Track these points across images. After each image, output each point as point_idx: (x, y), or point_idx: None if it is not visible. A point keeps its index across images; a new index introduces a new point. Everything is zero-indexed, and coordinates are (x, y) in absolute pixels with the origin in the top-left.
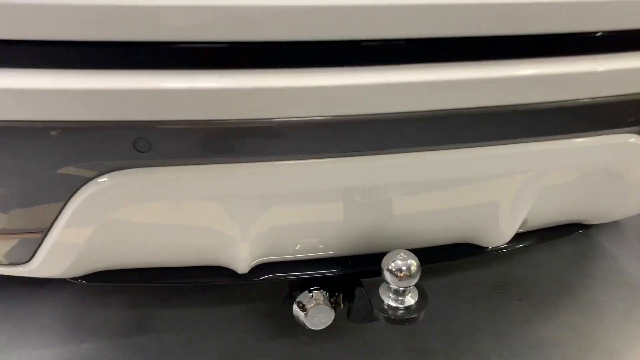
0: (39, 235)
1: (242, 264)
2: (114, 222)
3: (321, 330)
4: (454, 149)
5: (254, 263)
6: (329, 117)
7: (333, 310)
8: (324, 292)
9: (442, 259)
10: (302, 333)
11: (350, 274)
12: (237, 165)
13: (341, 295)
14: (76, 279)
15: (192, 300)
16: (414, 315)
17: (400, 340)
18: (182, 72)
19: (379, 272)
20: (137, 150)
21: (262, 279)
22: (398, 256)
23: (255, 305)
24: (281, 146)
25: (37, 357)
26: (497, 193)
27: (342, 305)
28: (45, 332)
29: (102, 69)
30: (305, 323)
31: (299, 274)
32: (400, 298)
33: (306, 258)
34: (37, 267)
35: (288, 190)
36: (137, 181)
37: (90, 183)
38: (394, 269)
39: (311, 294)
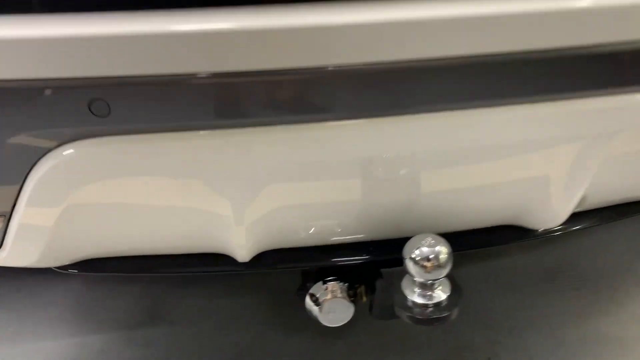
0: (1, 219)
1: (240, 250)
2: (82, 201)
3: (347, 323)
4: (497, 106)
5: (255, 250)
6: (347, 66)
7: (353, 305)
8: (342, 284)
9: (481, 245)
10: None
11: (370, 263)
12: (220, 132)
13: (363, 286)
14: (65, 268)
15: (208, 289)
16: (444, 314)
17: (437, 336)
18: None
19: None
20: (94, 114)
21: (268, 269)
22: (423, 242)
23: (277, 295)
24: (288, 104)
25: (44, 349)
26: (550, 163)
27: (364, 298)
28: (54, 322)
29: (42, 12)
30: (320, 319)
31: (309, 263)
32: (428, 293)
33: (318, 244)
34: (9, 255)
35: (292, 162)
36: (101, 153)
37: (48, 156)
38: (418, 258)
39: (325, 286)
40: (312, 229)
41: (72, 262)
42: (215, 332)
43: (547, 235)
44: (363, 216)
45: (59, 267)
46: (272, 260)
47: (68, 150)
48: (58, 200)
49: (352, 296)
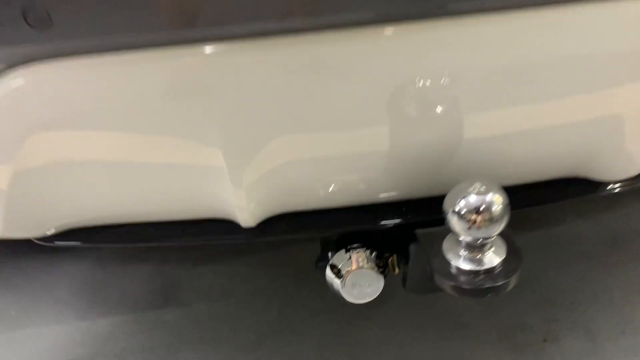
0: None
1: (242, 214)
2: (42, 153)
3: (379, 298)
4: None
5: (261, 214)
6: None
7: (382, 276)
8: (368, 251)
9: (537, 202)
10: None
11: (403, 226)
12: (203, 47)
13: (395, 255)
14: (50, 240)
15: (225, 266)
16: (499, 283)
17: (485, 313)
18: None
19: (442, 221)
20: (31, 26)
21: (278, 237)
22: (471, 189)
23: (300, 271)
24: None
25: (47, 334)
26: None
27: (395, 269)
28: (59, 305)
29: None
30: (343, 294)
31: (329, 229)
32: (477, 256)
33: (338, 206)
34: None
35: (297, 88)
36: (49, 82)
37: None
38: (464, 211)
39: (348, 255)
40: (330, 187)
41: (54, 232)
42: (233, 313)
43: (617, 190)
44: (394, 167)
45: (42, 240)
46: (283, 226)
47: (5, 80)
48: (9, 149)
49: (381, 266)
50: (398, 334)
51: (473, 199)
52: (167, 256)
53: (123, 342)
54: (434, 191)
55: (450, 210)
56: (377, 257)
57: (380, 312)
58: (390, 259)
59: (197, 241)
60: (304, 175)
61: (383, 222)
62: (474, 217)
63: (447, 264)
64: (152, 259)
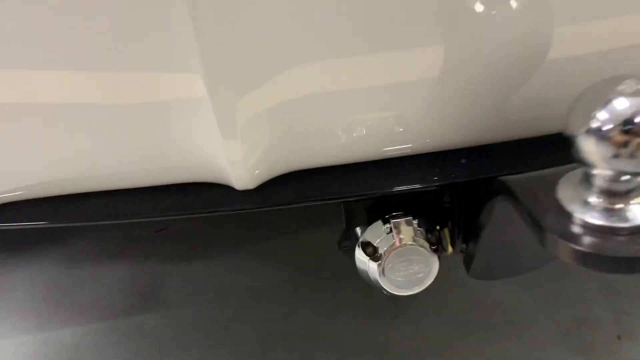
0: None
1: (237, 171)
2: None
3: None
4: None
5: (263, 172)
6: None
7: (436, 257)
8: (415, 223)
9: None
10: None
11: (461, 185)
12: None
13: (451, 225)
14: None
15: (221, 259)
16: None
17: (542, 307)
18: None
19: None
20: None
21: (288, 203)
22: (622, 87)
23: (313, 262)
24: None
25: (7, 345)
26: None
27: (449, 249)
28: (18, 312)
29: None
30: (382, 282)
31: (356, 193)
32: (619, 206)
33: (367, 159)
34: None
35: None
36: None
37: None
38: (610, 125)
39: (387, 227)
40: (357, 130)
41: None
42: (230, 317)
43: None
44: (446, 99)
45: None
46: (294, 189)
47: None
48: None
49: (434, 242)
50: (433, 337)
51: (626, 104)
52: (147, 251)
53: (96, 353)
54: (502, 135)
55: (583, 128)
56: (427, 229)
57: (410, 308)
58: (442, 233)
59: (176, 213)
60: (322, 114)
61: (435, 180)
62: (627, 136)
63: (568, 219)
64: (130, 255)
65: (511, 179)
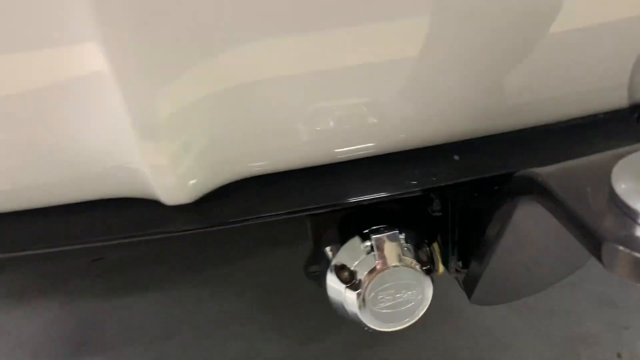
0: None
1: (158, 180)
2: None
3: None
4: None
5: (201, 181)
6: None
7: (429, 278)
8: (402, 237)
9: None
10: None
11: (455, 187)
12: None
13: (443, 238)
14: None
15: (172, 287)
16: None
17: (537, 325)
18: None
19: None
20: None
21: (233, 219)
22: None
23: (273, 289)
24: None
25: None
26: None
27: (440, 268)
28: None
29: None
30: (363, 317)
31: (323, 201)
32: None
33: (335, 160)
34: None
35: None
36: None
37: None
38: None
39: (367, 245)
40: (321, 124)
41: None
42: (180, 356)
43: None
44: (431, 80)
45: None
46: (242, 203)
47: None
48: None
49: (426, 261)
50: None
51: None
52: (78, 285)
53: None
54: (503, 124)
55: None
56: (417, 244)
57: (394, 338)
58: (432, 248)
59: (85, 240)
60: (276, 103)
61: (420, 183)
62: None
63: (634, 221)
64: (58, 291)
65: (544, 172)
